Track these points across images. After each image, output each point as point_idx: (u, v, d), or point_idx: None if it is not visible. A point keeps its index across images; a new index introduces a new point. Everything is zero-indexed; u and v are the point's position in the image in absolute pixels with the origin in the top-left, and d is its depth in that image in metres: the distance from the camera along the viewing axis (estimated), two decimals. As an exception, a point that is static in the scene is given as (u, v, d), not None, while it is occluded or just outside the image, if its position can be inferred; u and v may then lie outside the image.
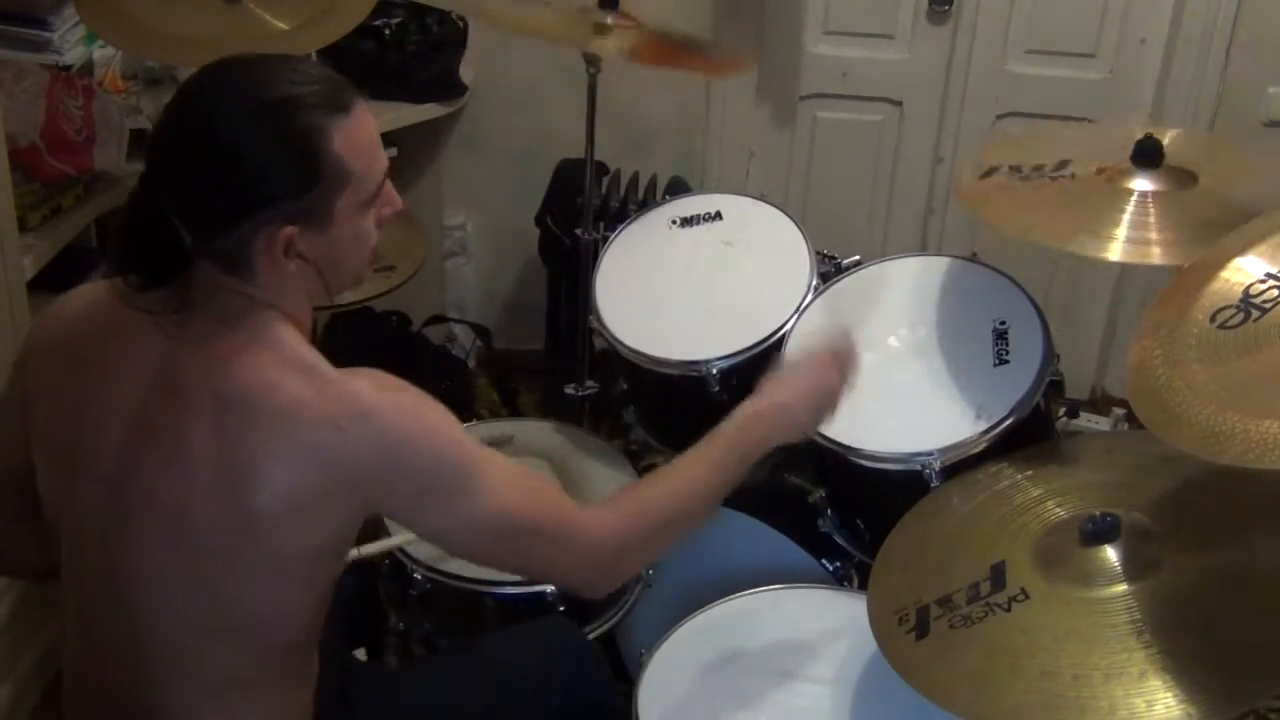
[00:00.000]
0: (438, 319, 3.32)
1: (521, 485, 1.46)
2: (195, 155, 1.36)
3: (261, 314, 1.40)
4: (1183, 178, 1.90)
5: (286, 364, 1.38)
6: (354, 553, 1.89)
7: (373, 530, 1.99)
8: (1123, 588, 1.45)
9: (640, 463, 2.31)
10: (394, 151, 2.92)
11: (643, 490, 1.59)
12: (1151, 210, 1.84)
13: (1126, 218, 1.83)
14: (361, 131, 1.41)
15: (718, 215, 2.35)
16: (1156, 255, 1.79)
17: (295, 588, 1.42)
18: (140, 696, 1.46)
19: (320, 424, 1.34)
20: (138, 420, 1.40)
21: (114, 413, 1.42)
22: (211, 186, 1.35)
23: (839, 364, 1.74)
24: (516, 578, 1.95)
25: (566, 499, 1.52)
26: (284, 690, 1.50)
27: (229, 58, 1.44)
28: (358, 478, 1.36)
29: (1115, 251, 1.80)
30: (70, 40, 2.45)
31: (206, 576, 1.39)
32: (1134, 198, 1.86)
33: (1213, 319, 1.40)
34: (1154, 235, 1.81)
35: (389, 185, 1.47)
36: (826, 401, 1.72)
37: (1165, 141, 1.93)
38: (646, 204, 2.82)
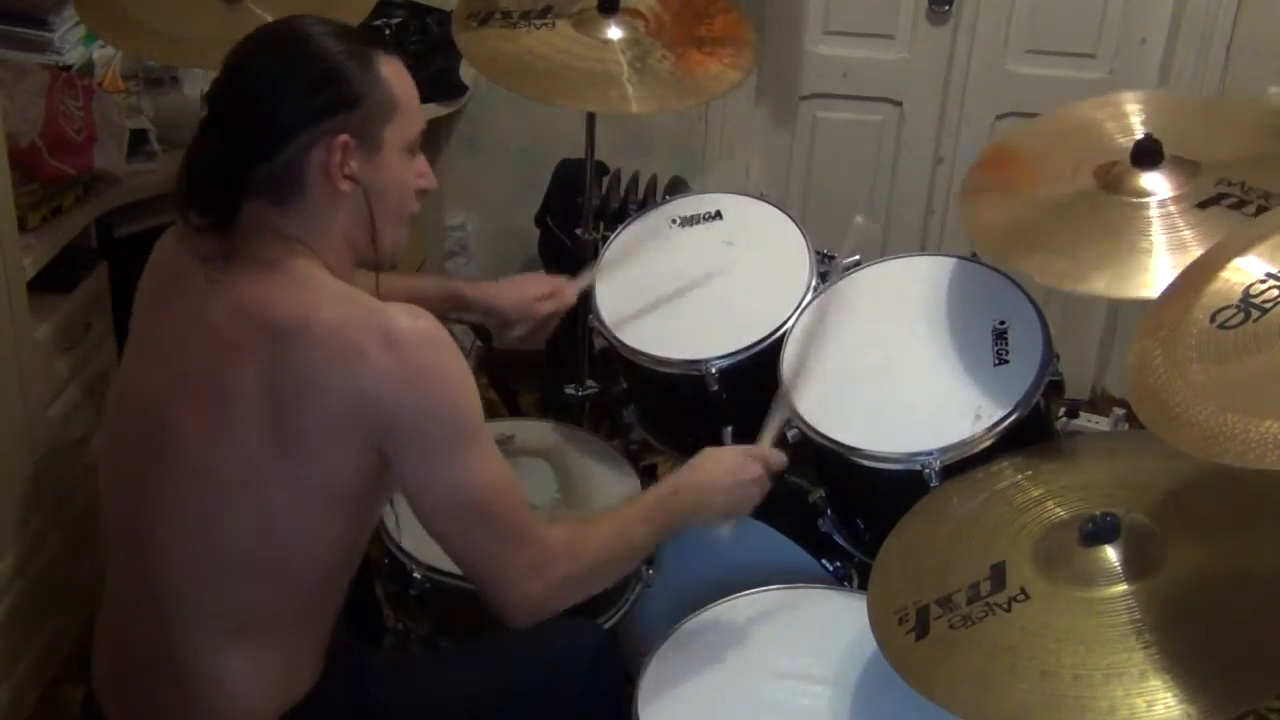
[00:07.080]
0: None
1: (506, 477, 1.52)
2: (255, 77, 1.46)
3: (302, 259, 1.47)
4: (1188, 167, 1.87)
5: (327, 293, 1.45)
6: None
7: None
8: (1123, 588, 1.45)
9: (640, 463, 2.31)
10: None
11: (586, 530, 1.64)
12: (1177, 217, 1.81)
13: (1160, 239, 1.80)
14: (404, 75, 1.52)
15: (718, 215, 2.35)
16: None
17: (318, 524, 1.46)
18: (161, 633, 1.51)
19: (352, 346, 1.40)
20: (175, 360, 1.48)
21: (155, 352, 1.51)
22: (270, 102, 1.44)
23: (767, 471, 1.76)
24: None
25: (535, 514, 1.58)
26: (304, 629, 1.55)
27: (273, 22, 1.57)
28: (375, 403, 1.41)
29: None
30: (70, 40, 2.45)
31: (230, 512, 1.45)
32: (1154, 211, 1.83)
33: (1213, 319, 1.39)
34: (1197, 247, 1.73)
35: (425, 160, 1.56)
36: (742, 502, 1.75)
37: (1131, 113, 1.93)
38: (646, 204, 2.82)
